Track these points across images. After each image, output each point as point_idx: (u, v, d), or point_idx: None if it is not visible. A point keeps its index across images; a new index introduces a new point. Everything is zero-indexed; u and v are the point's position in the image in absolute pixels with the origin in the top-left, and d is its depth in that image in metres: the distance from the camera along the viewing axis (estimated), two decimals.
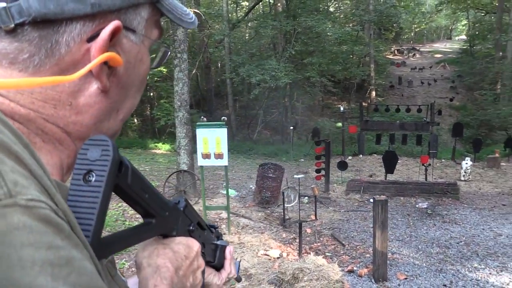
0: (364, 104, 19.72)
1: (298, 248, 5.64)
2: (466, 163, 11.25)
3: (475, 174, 11.83)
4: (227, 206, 6.25)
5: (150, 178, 9.71)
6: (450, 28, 63.19)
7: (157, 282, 0.56)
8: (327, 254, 5.71)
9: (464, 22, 49.52)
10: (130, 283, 0.72)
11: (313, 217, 7.26)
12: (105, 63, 0.50)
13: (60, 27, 0.47)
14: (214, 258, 0.81)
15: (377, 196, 4.89)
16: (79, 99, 0.50)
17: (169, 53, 0.66)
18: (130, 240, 0.52)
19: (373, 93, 29.02)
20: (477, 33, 39.23)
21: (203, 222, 0.74)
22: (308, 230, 6.75)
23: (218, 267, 0.83)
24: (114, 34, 0.50)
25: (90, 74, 0.50)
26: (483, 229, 6.66)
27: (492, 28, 32.70)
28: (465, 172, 11.23)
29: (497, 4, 30.84)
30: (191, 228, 0.66)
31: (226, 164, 6.07)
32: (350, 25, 28.82)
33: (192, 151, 8.44)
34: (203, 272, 0.68)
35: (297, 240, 5.88)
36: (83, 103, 0.51)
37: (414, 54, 45.92)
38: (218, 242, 0.83)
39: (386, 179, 9.92)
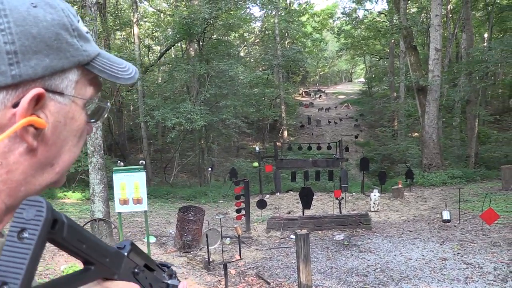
0: (278, 143, 20.44)
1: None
2: (375, 195, 12.03)
3: (383, 204, 12.66)
4: (147, 253, 6.00)
5: None
6: (350, 71, 68.68)
7: None
8: None
9: (362, 66, 54.34)
10: None
11: (237, 257, 7.21)
12: (32, 125, 0.54)
13: None
14: None
15: (298, 231, 5.04)
16: (9, 158, 0.54)
17: (106, 108, 0.70)
18: (66, 286, 0.54)
19: (285, 133, 30.21)
20: (373, 76, 43.19)
21: (152, 264, 0.75)
22: (233, 271, 6.68)
23: None
24: (39, 99, 0.54)
25: (18, 136, 0.55)
26: (395, 255, 7.09)
27: (386, 72, 36.21)
28: (374, 203, 11.98)
29: (388, 51, 34.36)
30: (135, 270, 0.67)
31: (146, 208, 5.89)
32: (260, 69, 30.14)
33: (108, 198, 8.04)
34: None
35: (222, 283, 5.78)
36: (13, 161, 0.55)
37: (320, 95, 49.00)
38: (169, 282, 0.83)
39: (304, 214, 10.23)
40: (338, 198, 10.42)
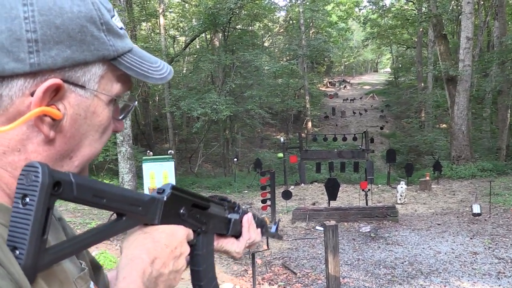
0: (302, 134, 20.34)
1: (250, 280, 5.59)
2: (402, 187, 11.86)
3: (409, 197, 12.48)
4: None
5: (90, 217, 9.27)
6: (376, 61, 67.59)
7: (126, 274, 0.58)
8: (280, 283, 5.71)
9: (388, 56, 53.33)
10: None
11: (265, 247, 7.24)
12: (48, 115, 0.55)
13: (2, 82, 0.53)
14: (228, 230, 0.86)
15: (327, 222, 5.02)
16: (27, 146, 0.55)
17: (132, 106, 0.71)
18: (93, 238, 0.56)
19: (309, 124, 30.00)
20: (400, 66, 42.32)
21: (203, 202, 0.75)
22: (259, 261, 6.72)
23: (237, 236, 0.90)
24: (58, 89, 0.55)
25: (34, 124, 0.55)
26: (423, 248, 7.00)
27: (413, 61, 35.43)
28: (401, 196, 11.81)
29: (416, 40, 33.59)
30: (181, 212, 0.68)
31: None
32: (285, 59, 29.95)
33: (136, 186, 8.20)
34: (191, 255, 0.73)
35: (249, 272, 5.84)
36: (31, 150, 0.56)
37: (345, 86, 48.43)
38: (229, 216, 0.87)
39: (329, 205, 10.18)
40: (365, 190, 10.33)
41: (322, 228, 8.72)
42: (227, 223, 0.86)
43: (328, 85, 48.05)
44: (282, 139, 16.99)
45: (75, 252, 0.56)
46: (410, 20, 25.77)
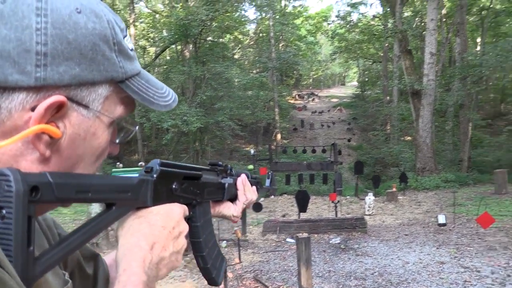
0: (272, 146, 20.42)
1: None
2: (369, 199, 12.06)
3: (377, 208, 12.69)
4: None
5: None
6: (343, 75, 69.05)
7: (126, 265, 0.56)
8: None
9: (355, 69, 54.62)
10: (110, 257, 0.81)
11: (237, 260, 7.17)
12: (46, 133, 0.52)
13: (3, 94, 0.50)
14: (223, 195, 0.85)
15: (300, 234, 5.02)
16: (20, 163, 0.52)
17: (133, 131, 0.67)
18: (84, 237, 0.53)
19: (279, 136, 30.21)
20: (366, 79, 43.43)
21: (194, 172, 0.73)
22: (230, 275, 6.63)
23: (233, 199, 0.91)
24: (60, 107, 0.52)
25: (30, 142, 0.53)
26: (392, 258, 7.10)
27: (379, 75, 36.40)
28: (369, 207, 12.00)
29: (382, 55, 34.55)
30: (173, 187, 0.66)
31: None
32: (254, 71, 30.16)
33: None
34: (191, 232, 0.72)
35: (221, 286, 5.74)
36: (24, 167, 0.52)
37: (314, 98, 49.15)
38: (223, 181, 0.85)
39: (299, 217, 10.21)
40: (334, 202, 10.44)
41: (293, 240, 8.73)
42: (221, 188, 0.85)
43: (297, 97, 48.64)
44: (252, 151, 17.04)
45: (66, 255, 0.52)
46: (376, 35, 26.53)
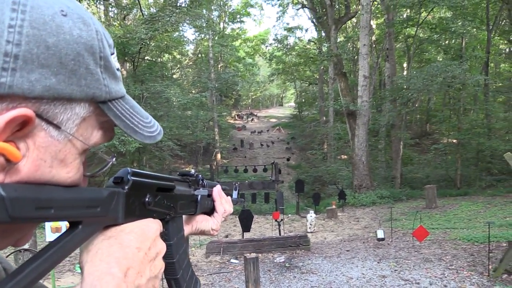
0: (213, 166, 20.25)
1: None
2: (311, 216, 12.23)
3: (318, 225, 12.90)
4: None
5: None
6: (281, 96, 70.64)
7: None
8: None
9: (293, 91, 56.12)
10: None
11: None
12: (2, 154, 0.42)
13: None
14: (195, 208, 0.78)
15: (247, 254, 4.91)
16: None
17: (109, 163, 0.55)
18: (44, 266, 0.42)
19: (219, 156, 30.09)
20: (303, 100, 44.73)
21: (167, 183, 0.64)
22: None
23: (209, 213, 0.86)
24: (25, 123, 0.42)
25: None
26: (336, 275, 7.18)
27: (316, 97, 37.64)
28: (310, 224, 12.16)
29: (317, 77, 35.84)
30: (146, 200, 0.57)
31: None
32: (193, 91, 29.99)
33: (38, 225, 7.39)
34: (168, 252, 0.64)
35: None
36: None
37: (253, 119, 49.71)
38: (196, 193, 0.78)
39: (243, 237, 10.10)
40: (277, 220, 10.46)
41: (237, 261, 8.60)
42: (194, 201, 0.78)
43: (236, 117, 48.95)
44: (192, 171, 16.68)
45: (36, 278, 0.41)
46: (312, 59, 27.48)
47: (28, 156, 0.43)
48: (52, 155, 0.46)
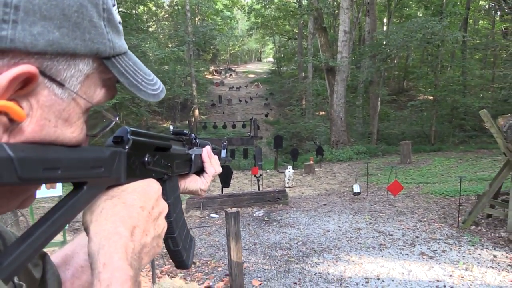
0: (191, 122, 20.14)
1: (149, 274, 5.36)
2: (289, 171, 12.43)
3: (296, 180, 13.16)
4: (63, 241, 5.58)
5: None
6: (260, 51, 69.65)
7: (106, 259, 0.46)
8: (179, 274, 5.57)
9: (271, 46, 55.32)
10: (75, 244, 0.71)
11: None
12: (5, 112, 0.40)
13: None
14: (190, 168, 0.79)
15: (228, 209, 5.00)
16: None
17: (114, 122, 0.55)
18: (54, 227, 0.43)
19: (197, 112, 29.83)
20: (282, 56, 44.23)
21: (165, 142, 0.66)
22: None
23: (200, 172, 0.86)
24: (28, 80, 0.40)
25: None
26: (313, 228, 7.42)
27: (295, 52, 37.26)
28: (288, 180, 12.38)
29: (297, 32, 35.29)
30: (146, 160, 0.58)
31: (61, 193, 5.44)
32: (170, 45, 29.23)
33: None
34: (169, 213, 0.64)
35: (146, 266, 5.58)
36: None
37: (231, 74, 49.09)
38: (190, 151, 0.79)
39: (222, 192, 10.24)
40: (256, 176, 10.60)
41: (216, 216, 8.76)
42: (188, 160, 0.79)
43: (214, 73, 48.24)
44: (171, 127, 16.51)
45: (35, 253, 0.41)
46: (292, 12, 26.93)
47: (32, 115, 0.42)
48: (56, 114, 0.44)
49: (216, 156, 0.93)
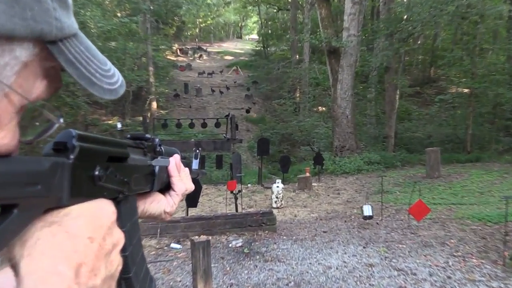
0: (147, 119, 20.00)
1: None
2: (277, 187, 12.39)
3: (287, 199, 13.14)
4: None
5: None
6: (240, 25, 69.84)
7: None
8: None
9: (256, 19, 55.44)
10: None
11: None
12: None
13: None
14: (152, 184, 0.79)
15: (196, 237, 4.90)
16: None
17: (57, 125, 0.53)
18: None
19: (154, 104, 29.70)
20: (270, 32, 44.38)
21: (119, 150, 0.64)
22: None
23: (165, 190, 0.86)
24: None
25: None
26: (310, 263, 7.36)
27: (286, 28, 37.44)
28: (276, 198, 12.34)
29: (289, 0, 35.46)
30: (96, 174, 0.56)
31: None
32: (119, 14, 29.04)
33: None
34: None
35: None
36: None
37: (201, 55, 49.10)
38: (154, 163, 0.79)
39: (187, 215, 10.14)
40: (234, 192, 10.52)
41: (179, 246, 8.65)
42: (151, 174, 0.78)
43: (179, 53, 48.18)
44: (119, 125, 16.52)
45: None
46: None
47: None
48: None
49: (186, 169, 0.93)
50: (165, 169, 0.84)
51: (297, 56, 32.24)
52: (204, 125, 19.93)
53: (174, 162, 0.88)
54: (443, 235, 8.55)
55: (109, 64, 0.58)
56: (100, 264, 0.52)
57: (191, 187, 0.92)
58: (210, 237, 9.08)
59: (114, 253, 0.56)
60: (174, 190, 0.87)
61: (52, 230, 0.49)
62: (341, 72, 18.46)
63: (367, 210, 9.91)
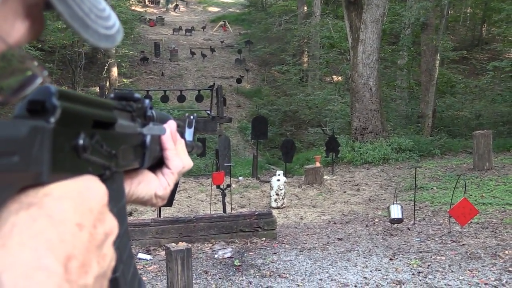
0: (105, 89, 19.96)
1: None
2: (278, 180, 12.43)
3: (290, 196, 13.20)
4: None
5: None
6: None
7: None
8: None
9: None
10: None
11: None
12: None
13: None
14: (142, 159, 0.78)
15: (171, 244, 4.97)
16: None
17: (39, 78, 0.53)
18: None
19: (115, 71, 29.63)
20: None
21: (105, 113, 0.63)
22: None
23: (156, 167, 0.85)
24: None
25: None
26: (320, 279, 7.45)
27: None
28: (277, 195, 12.38)
29: None
30: (80, 143, 0.54)
31: None
32: None
33: None
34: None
35: None
36: None
37: (177, 5, 48.84)
38: (145, 130, 0.77)
39: (160, 216, 10.20)
40: (221, 187, 10.57)
41: (149, 257, 8.73)
42: (140, 146, 0.77)
43: (148, 3, 47.96)
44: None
45: None
46: None
47: None
48: None
49: (183, 140, 0.93)
50: (157, 140, 0.83)
51: (305, 8, 32.18)
52: (181, 98, 19.89)
53: (170, 130, 0.86)
54: (494, 244, 8.62)
55: (103, 3, 0.59)
56: (91, 258, 0.52)
57: (189, 163, 0.91)
58: (190, 245, 9.20)
59: (106, 245, 0.56)
60: (168, 168, 0.86)
61: (31, 214, 0.48)
62: (364, 30, 18.42)
63: (396, 212, 9.98)
